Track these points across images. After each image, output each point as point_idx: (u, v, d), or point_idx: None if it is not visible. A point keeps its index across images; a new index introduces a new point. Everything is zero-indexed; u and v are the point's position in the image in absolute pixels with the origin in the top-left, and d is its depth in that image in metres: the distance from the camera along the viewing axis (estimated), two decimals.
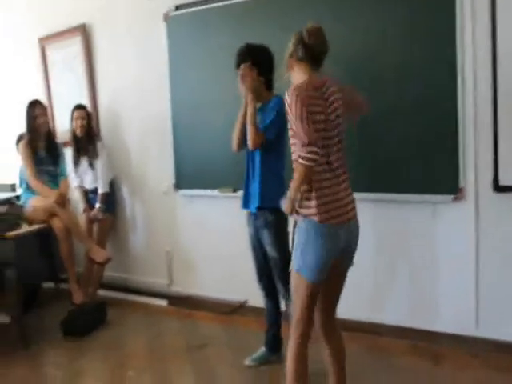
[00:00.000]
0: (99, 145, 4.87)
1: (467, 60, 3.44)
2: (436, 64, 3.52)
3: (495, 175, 3.42)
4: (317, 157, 2.34)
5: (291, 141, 2.53)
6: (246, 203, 3.34)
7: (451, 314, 3.56)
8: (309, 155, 2.33)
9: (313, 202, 2.43)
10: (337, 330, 2.73)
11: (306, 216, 2.44)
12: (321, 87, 2.51)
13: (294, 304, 2.57)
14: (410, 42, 3.56)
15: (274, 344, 3.54)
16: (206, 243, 4.67)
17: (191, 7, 4.45)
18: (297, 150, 2.42)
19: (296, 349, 2.57)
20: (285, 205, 2.48)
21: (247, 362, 3.52)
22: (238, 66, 3.26)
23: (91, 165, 4.83)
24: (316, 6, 3.82)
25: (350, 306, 3.73)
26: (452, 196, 3.53)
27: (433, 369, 3.09)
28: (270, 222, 3.21)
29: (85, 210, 4.90)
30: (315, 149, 2.33)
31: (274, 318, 3.52)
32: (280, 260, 3.21)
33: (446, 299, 3.56)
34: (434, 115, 3.49)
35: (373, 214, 3.71)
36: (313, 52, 2.56)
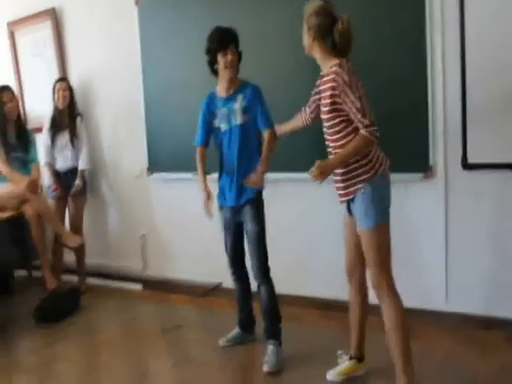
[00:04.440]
0: (79, 120, 4.88)
1: (437, 42, 3.55)
2: (407, 46, 3.61)
3: (464, 153, 3.54)
4: (378, 135, 2.60)
5: (345, 120, 2.68)
6: (234, 199, 3.32)
7: (421, 289, 3.68)
8: (375, 134, 2.58)
9: (370, 164, 2.67)
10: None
11: (367, 179, 2.66)
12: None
13: (378, 266, 2.70)
14: (384, 26, 3.65)
15: (248, 325, 3.62)
16: (180, 226, 4.73)
17: None
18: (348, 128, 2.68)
19: (399, 305, 2.72)
20: (317, 171, 2.59)
21: (221, 342, 3.58)
22: (224, 47, 3.20)
23: (72, 141, 4.81)
24: None
25: (324, 285, 3.85)
26: (422, 174, 3.65)
27: None
28: (252, 199, 3.26)
29: (55, 189, 4.76)
30: (376, 128, 2.58)
31: (246, 301, 3.59)
32: (261, 232, 3.26)
33: (416, 275, 3.66)
34: (405, 95, 3.59)
35: None
36: (343, 38, 2.72)
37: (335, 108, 2.68)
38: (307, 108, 3.07)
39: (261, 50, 4.06)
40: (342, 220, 2.96)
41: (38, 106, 5.33)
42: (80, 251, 4.91)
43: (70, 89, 4.87)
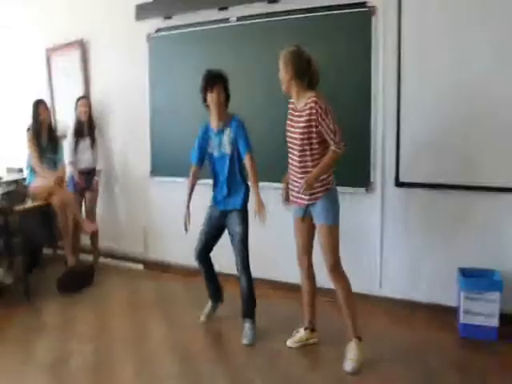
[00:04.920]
0: (97, 130, 4.98)
1: (379, 89, 3.71)
2: (355, 92, 3.75)
3: (397, 174, 3.71)
4: (345, 147, 2.84)
5: (315, 139, 2.83)
6: (225, 204, 3.39)
7: (361, 278, 3.75)
8: (343, 148, 2.81)
9: (328, 178, 2.92)
10: None
11: (326, 190, 2.91)
12: None
13: (332, 254, 2.92)
14: (340, 72, 3.77)
15: (216, 295, 3.66)
16: (173, 220, 4.48)
17: (168, 31, 4.62)
18: (322, 145, 2.85)
19: (348, 282, 2.97)
20: (306, 184, 2.80)
21: (202, 318, 3.64)
22: (211, 87, 3.24)
23: (91, 146, 4.90)
24: (272, 37, 4.01)
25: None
26: (364, 189, 3.80)
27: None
28: (239, 209, 3.34)
29: (79, 183, 4.83)
30: (344, 143, 2.82)
31: (211, 279, 3.62)
32: (243, 234, 3.31)
33: (357, 267, 3.75)
34: (353, 127, 3.67)
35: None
36: (314, 76, 2.89)
37: (313, 130, 2.81)
38: None
39: (243, 81, 4.12)
40: (293, 223, 3.14)
41: (66, 117, 5.29)
42: (94, 236, 4.99)
43: (90, 105, 4.97)
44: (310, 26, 3.89)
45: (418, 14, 3.54)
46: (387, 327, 3.51)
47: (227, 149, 3.32)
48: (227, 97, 3.34)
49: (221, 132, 3.33)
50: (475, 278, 3.32)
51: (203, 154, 3.44)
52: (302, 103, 2.88)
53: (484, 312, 3.23)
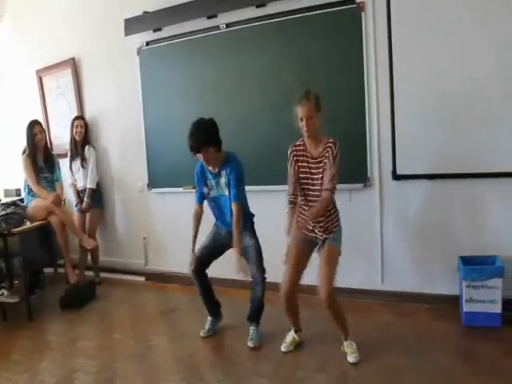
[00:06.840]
0: (87, 148, 4.95)
1: (373, 85, 3.71)
2: (348, 90, 3.75)
3: (394, 167, 3.72)
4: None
5: (319, 175, 2.85)
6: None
7: (363, 273, 3.83)
8: (331, 197, 2.85)
9: (337, 216, 2.99)
10: None
11: (337, 225, 2.97)
12: None
13: (332, 279, 2.85)
14: (332, 71, 3.78)
15: (215, 311, 3.62)
16: (173, 230, 4.76)
17: (158, 43, 4.66)
18: (322, 184, 2.85)
19: (337, 301, 2.88)
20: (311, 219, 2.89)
21: (202, 334, 3.53)
22: (197, 151, 3.12)
23: (82, 165, 4.92)
24: (262, 41, 4.07)
25: None
26: (362, 184, 3.80)
27: (349, 317, 3.07)
28: (250, 228, 3.36)
29: (77, 204, 4.98)
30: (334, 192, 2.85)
31: (208, 296, 3.57)
32: (257, 244, 3.31)
33: (360, 264, 3.79)
34: (350, 126, 3.75)
35: None
36: None
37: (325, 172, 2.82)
38: (292, 188, 3.01)
39: (235, 86, 4.22)
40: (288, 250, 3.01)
41: (61, 136, 5.39)
42: (95, 252, 5.00)
43: (86, 125, 5.01)
44: (300, 27, 3.91)
45: (407, 6, 3.55)
46: (390, 320, 3.50)
47: (225, 190, 3.29)
48: (219, 144, 3.22)
49: (218, 175, 3.30)
50: (476, 266, 3.30)
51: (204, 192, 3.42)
52: (319, 149, 2.86)
53: (486, 299, 3.22)
